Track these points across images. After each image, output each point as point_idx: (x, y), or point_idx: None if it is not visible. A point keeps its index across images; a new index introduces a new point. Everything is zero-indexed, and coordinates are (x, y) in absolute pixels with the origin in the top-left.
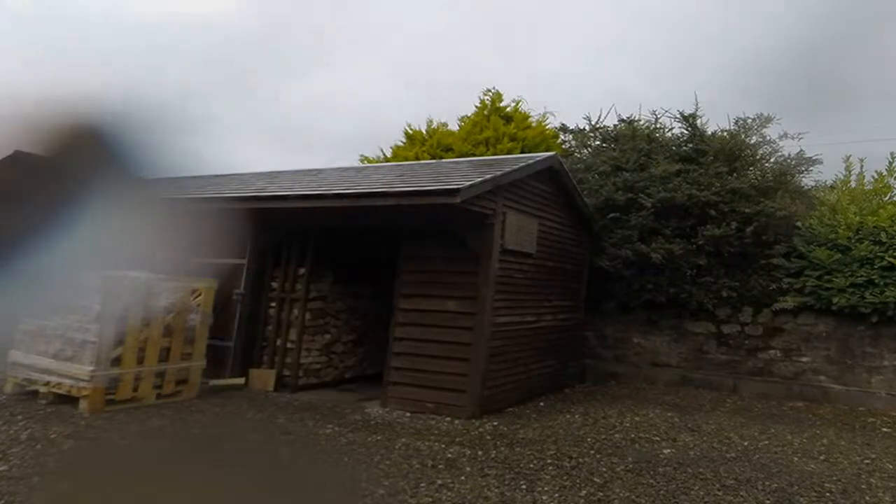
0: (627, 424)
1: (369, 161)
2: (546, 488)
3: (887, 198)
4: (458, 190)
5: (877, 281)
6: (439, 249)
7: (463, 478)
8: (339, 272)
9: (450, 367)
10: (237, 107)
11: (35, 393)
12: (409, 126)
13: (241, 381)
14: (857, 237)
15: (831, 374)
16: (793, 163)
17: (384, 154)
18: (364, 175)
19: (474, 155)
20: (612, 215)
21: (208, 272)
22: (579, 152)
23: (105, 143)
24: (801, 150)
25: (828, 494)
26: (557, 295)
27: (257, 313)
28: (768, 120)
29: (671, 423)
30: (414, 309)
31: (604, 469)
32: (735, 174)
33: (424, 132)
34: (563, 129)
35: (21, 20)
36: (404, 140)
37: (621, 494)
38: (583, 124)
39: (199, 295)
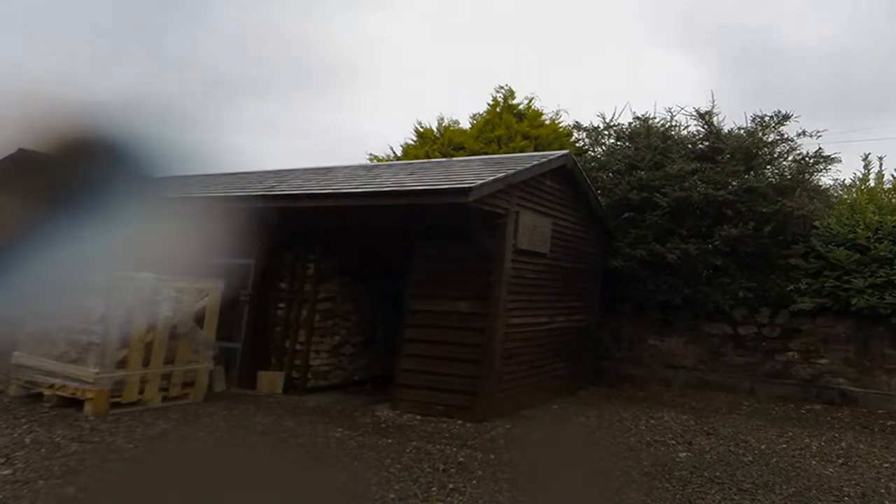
0: (642, 427)
1: (379, 160)
2: (559, 492)
3: None
4: (470, 189)
5: None
6: (451, 249)
7: (475, 482)
8: (349, 272)
9: (462, 370)
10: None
11: (39, 395)
12: (420, 124)
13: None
14: (876, 237)
15: (850, 376)
16: (811, 161)
17: (394, 153)
18: (375, 174)
19: (486, 153)
20: (626, 215)
21: (216, 272)
22: (593, 150)
23: (109, 142)
24: (820, 148)
25: (846, 499)
26: (571, 296)
27: (265, 314)
28: (786, 117)
29: (687, 426)
30: (425, 310)
31: (619, 473)
32: (752, 173)
33: (435, 130)
34: (577, 126)
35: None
36: (415, 138)
37: (637, 498)
38: (597, 122)
39: (207, 296)
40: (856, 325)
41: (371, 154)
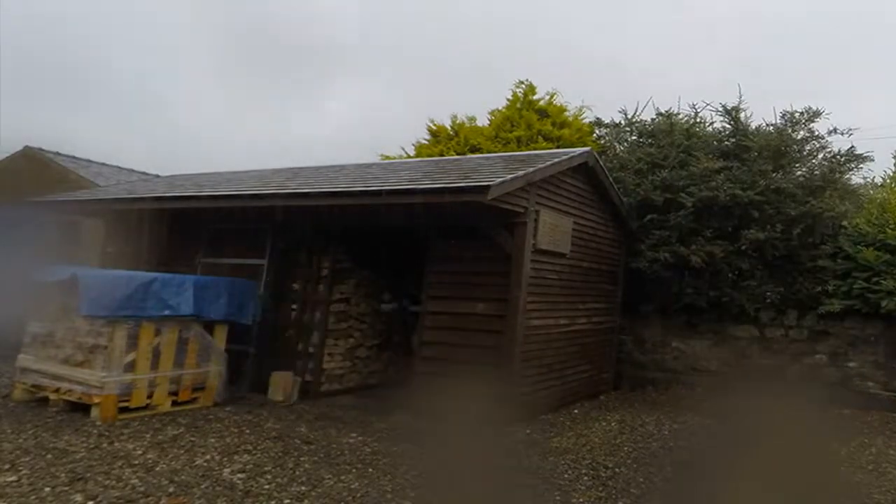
0: (666, 432)
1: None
2: (581, 499)
3: None
4: (488, 187)
5: None
6: (469, 249)
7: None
8: (364, 273)
9: (480, 373)
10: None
11: (45, 400)
12: (434, 122)
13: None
14: None
15: (879, 379)
16: (842, 160)
17: (406, 153)
18: (390, 171)
19: None
20: (649, 216)
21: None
22: (614, 148)
23: None
24: (852, 147)
25: None
26: (592, 297)
27: (278, 316)
28: (817, 114)
29: (711, 431)
30: (442, 312)
31: (641, 479)
32: (780, 172)
33: (450, 129)
34: (598, 123)
35: None
36: (428, 137)
37: None
38: (618, 118)
39: None
40: (885, 327)
41: (382, 154)
